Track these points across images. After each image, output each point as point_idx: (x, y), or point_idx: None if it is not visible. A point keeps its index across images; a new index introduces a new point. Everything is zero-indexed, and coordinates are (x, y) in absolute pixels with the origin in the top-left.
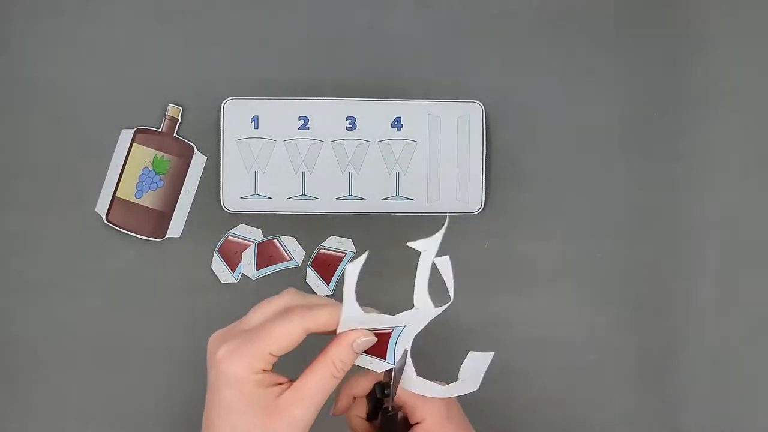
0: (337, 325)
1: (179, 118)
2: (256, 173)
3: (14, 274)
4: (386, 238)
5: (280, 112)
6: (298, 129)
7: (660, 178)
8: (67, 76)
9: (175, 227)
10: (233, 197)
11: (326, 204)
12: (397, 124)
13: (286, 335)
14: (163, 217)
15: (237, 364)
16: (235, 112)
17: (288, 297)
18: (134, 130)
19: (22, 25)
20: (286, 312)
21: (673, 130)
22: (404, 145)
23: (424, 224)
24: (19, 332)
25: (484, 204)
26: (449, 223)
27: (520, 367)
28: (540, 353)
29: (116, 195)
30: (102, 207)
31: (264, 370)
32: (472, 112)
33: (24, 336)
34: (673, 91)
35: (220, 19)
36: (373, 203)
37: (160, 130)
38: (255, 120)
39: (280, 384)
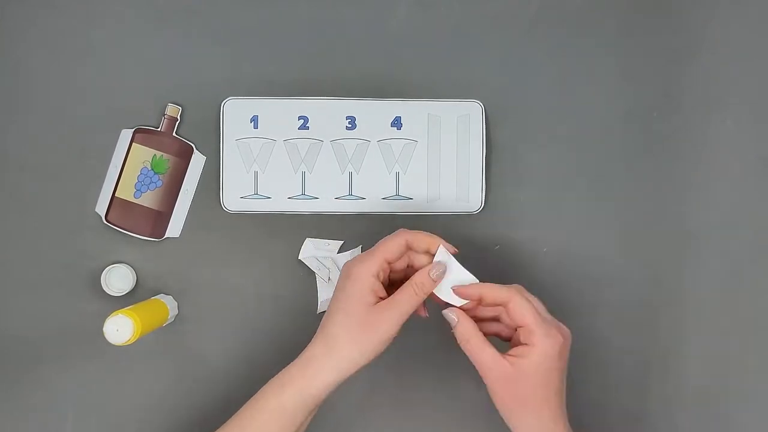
0: (428, 248)
1: (178, 117)
2: (256, 173)
3: (14, 274)
4: None
5: (280, 112)
6: (298, 129)
7: (660, 178)
8: (67, 76)
9: (174, 227)
10: (233, 197)
11: (326, 204)
12: (397, 123)
13: (393, 244)
14: (162, 217)
15: (359, 266)
16: (235, 112)
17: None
18: (133, 129)
19: (22, 25)
20: (395, 233)
21: (673, 130)
22: (404, 144)
23: (424, 224)
24: (19, 332)
25: (484, 204)
26: (449, 222)
27: None
28: None
29: (115, 195)
30: (101, 207)
31: (377, 276)
32: (472, 111)
33: (24, 336)
34: (673, 91)
35: (220, 19)
36: (373, 203)
37: (159, 129)
38: (255, 120)
39: (381, 297)
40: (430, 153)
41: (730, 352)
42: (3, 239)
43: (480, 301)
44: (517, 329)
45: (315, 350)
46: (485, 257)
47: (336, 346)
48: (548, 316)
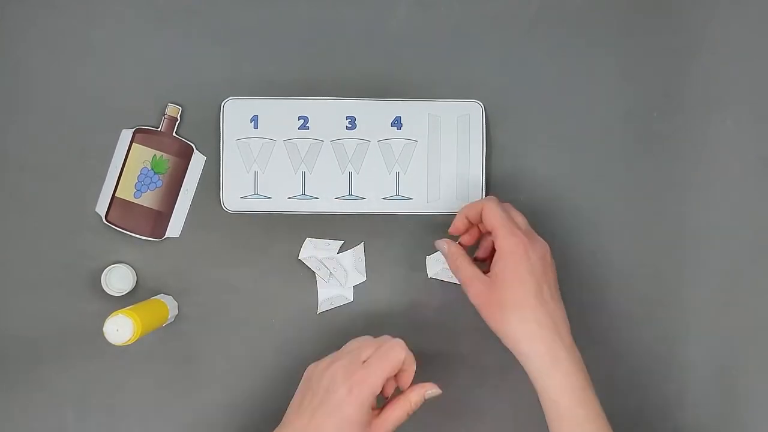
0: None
1: (179, 117)
2: (256, 173)
3: (14, 274)
4: (386, 238)
5: (280, 112)
6: (298, 129)
7: (660, 178)
8: (67, 75)
9: (175, 227)
10: (233, 197)
11: (326, 204)
12: (397, 123)
13: (393, 364)
14: (162, 216)
15: (362, 387)
16: (235, 112)
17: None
18: (133, 129)
19: (22, 25)
20: (390, 347)
21: (673, 130)
22: (404, 144)
23: (424, 224)
24: (19, 332)
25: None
26: (449, 222)
27: (520, 367)
28: None
29: (116, 195)
30: (102, 207)
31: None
32: (472, 112)
33: (24, 336)
34: (673, 91)
35: (220, 19)
36: (373, 203)
37: (159, 129)
38: (255, 120)
39: (373, 410)
40: (430, 153)
41: (730, 352)
42: (3, 239)
43: (470, 223)
44: (493, 243)
45: None
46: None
47: None
48: (523, 227)
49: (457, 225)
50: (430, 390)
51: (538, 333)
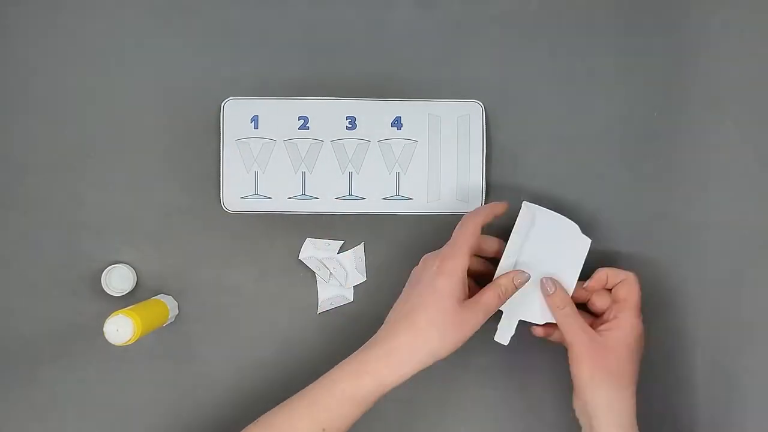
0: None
1: None
2: (256, 173)
3: (14, 274)
4: (386, 238)
5: (280, 112)
6: (298, 129)
7: (660, 178)
8: (67, 76)
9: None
10: (233, 197)
11: (326, 204)
12: (397, 123)
13: (472, 237)
14: None
15: (452, 261)
16: (235, 112)
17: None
18: None
19: (22, 25)
20: (464, 222)
21: (673, 130)
22: (404, 144)
23: (424, 224)
24: (19, 332)
25: (484, 204)
26: (449, 222)
27: (520, 367)
28: (540, 353)
29: None
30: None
31: (467, 272)
32: (472, 111)
33: (24, 336)
34: (673, 91)
35: (220, 19)
36: (373, 203)
37: None
38: (255, 120)
39: (466, 294)
40: (430, 153)
41: (730, 351)
42: (3, 239)
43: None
44: (610, 306)
45: (400, 340)
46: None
47: (426, 339)
48: None
49: (594, 285)
50: (519, 276)
51: (626, 398)
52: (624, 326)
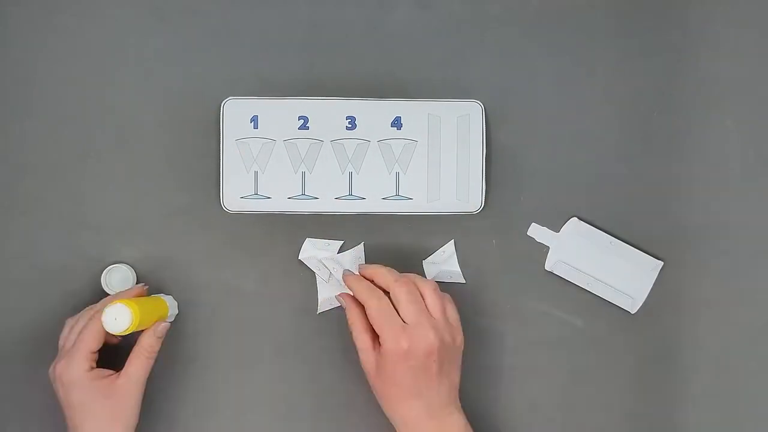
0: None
1: None
2: (256, 173)
3: (15, 273)
4: (386, 238)
5: (280, 112)
6: (298, 129)
7: (660, 178)
8: (67, 76)
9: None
10: (233, 197)
11: (326, 204)
12: (397, 123)
13: (92, 335)
14: None
15: (69, 371)
16: (235, 112)
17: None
18: None
19: (22, 25)
20: (89, 319)
21: (673, 130)
22: (404, 144)
23: (424, 224)
24: (19, 332)
25: (484, 204)
26: (449, 222)
27: (520, 367)
28: (540, 353)
29: None
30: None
31: (92, 368)
32: (472, 112)
33: (24, 336)
34: (673, 91)
35: (220, 19)
36: (373, 203)
37: None
38: (255, 120)
39: (110, 375)
40: (430, 153)
41: (730, 352)
42: (3, 239)
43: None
44: None
45: None
46: (485, 257)
47: None
48: (417, 318)
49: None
50: (159, 327)
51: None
52: (382, 350)
